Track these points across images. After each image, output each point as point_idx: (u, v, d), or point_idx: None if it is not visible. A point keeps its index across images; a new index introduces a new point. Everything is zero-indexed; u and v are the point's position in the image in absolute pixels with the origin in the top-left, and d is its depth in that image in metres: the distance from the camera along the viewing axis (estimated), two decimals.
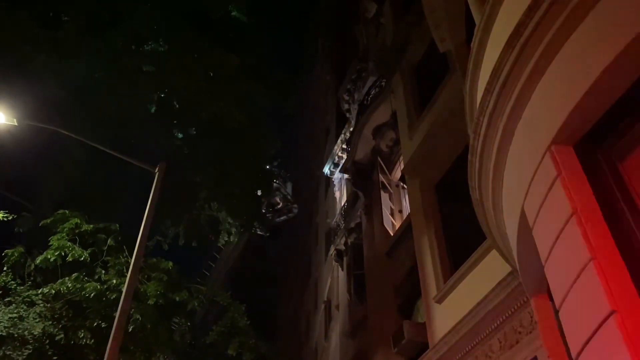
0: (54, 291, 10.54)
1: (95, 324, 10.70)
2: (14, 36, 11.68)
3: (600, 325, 2.65)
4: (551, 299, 4.41)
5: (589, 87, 2.92)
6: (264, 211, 35.90)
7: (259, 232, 37.17)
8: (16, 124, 10.56)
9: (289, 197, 36.95)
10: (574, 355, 2.95)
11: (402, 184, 13.70)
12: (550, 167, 3.19)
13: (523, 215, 3.66)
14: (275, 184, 35.09)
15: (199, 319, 24.94)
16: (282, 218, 37.43)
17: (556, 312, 3.39)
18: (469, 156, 4.46)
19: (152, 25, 13.29)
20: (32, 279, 11.40)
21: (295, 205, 36.59)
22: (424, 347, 8.75)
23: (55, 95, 12.52)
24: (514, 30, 3.39)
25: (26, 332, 10.07)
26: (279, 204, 36.89)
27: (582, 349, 2.83)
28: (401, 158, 12.78)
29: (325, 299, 21.71)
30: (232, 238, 16.38)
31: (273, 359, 15.69)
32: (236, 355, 13.04)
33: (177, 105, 14.33)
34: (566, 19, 3.09)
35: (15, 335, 9.94)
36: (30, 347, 10.07)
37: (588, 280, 2.79)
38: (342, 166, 20.04)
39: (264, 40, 16.99)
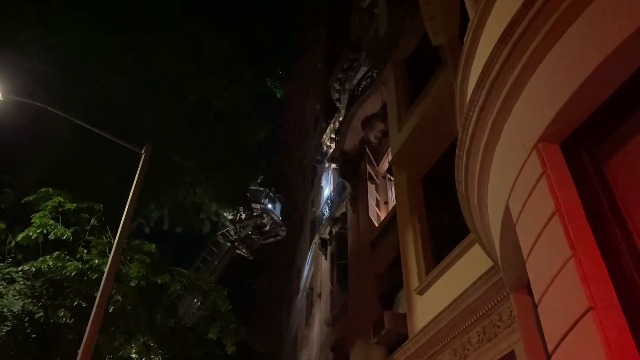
0: (34, 269, 10.43)
1: (76, 303, 10.61)
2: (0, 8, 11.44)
3: (577, 322, 2.70)
4: (531, 294, 4.47)
5: (578, 87, 2.95)
6: (249, 232, 35.53)
7: (244, 254, 36.82)
8: (0, 98, 10.36)
9: (277, 220, 36.25)
10: (550, 350, 3.00)
11: (389, 175, 13.75)
12: (536, 165, 3.22)
13: (507, 211, 3.70)
14: (262, 206, 34.65)
15: (188, 307, 24.78)
16: (269, 240, 36.87)
17: (535, 307, 3.45)
18: (457, 150, 4.49)
19: (142, 2, 13.10)
20: (12, 256, 11.25)
21: (284, 228, 35.88)
22: (403, 337, 8.84)
23: (41, 70, 12.30)
24: (507, 27, 3.40)
25: (5, 309, 9.97)
26: (266, 226, 36.30)
27: (559, 344, 2.88)
28: (389, 150, 12.81)
29: (308, 287, 21.81)
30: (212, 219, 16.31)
31: (253, 344, 15.71)
32: (216, 339, 13.05)
33: (165, 86, 14.16)
34: (559, 18, 3.11)
35: None
36: (9, 324, 9.97)
37: (567, 277, 2.83)
38: (330, 155, 20.04)
39: (255, 24, 16.84)
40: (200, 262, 35.45)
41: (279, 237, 36.37)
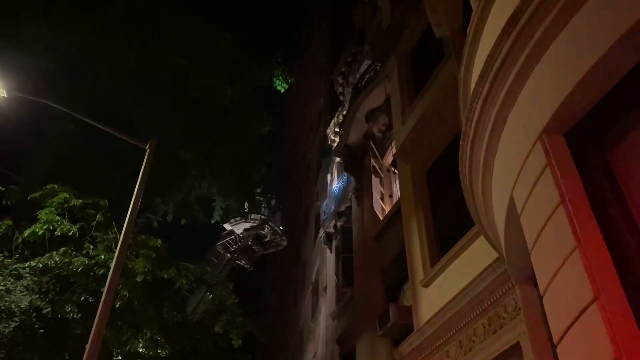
0: (41, 265, 10.48)
1: (83, 298, 10.68)
2: (4, 3, 11.45)
3: (582, 312, 2.70)
4: (536, 285, 4.48)
5: (582, 77, 2.93)
6: (249, 243, 35.25)
7: (244, 265, 36.69)
8: (5, 95, 10.39)
9: (278, 230, 35.84)
10: (555, 340, 3.01)
11: (393, 168, 13.73)
12: (540, 156, 3.22)
13: (512, 202, 3.70)
14: (262, 216, 34.31)
15: (200, 301, 24.80)
16: (270, 251, 36.50)
17: (540, 298, 3.45)
18: (461, 142, 4.48)
19: None
20: (19, 252, 11.32)
21: (284, 238, 35.46)
22: (409, 330, 8.86)
23: (45, 67, 12.32)
24: (511, 18, 3.39)
25: (13, 305, 10.03)
26: (266, 236, 35.91)
27: (564, 335, 2.88)
28: (393, 143, 12.78)
29: (313, 281, 21.87)
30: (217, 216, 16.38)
31: (260, 337, 15.77)
32: (223, 332, 13.11)
33: (169, 81, 14.17)
34: (563, 8, 3.09)
35: (2, 307, 9.91)
36: (17, 319, 10.04)
37: (572, 268, 2.83)
38: (334, 149, 20.01)
39: (259, 17, 16.82)
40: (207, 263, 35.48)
41: (279, 248, 36.07)
